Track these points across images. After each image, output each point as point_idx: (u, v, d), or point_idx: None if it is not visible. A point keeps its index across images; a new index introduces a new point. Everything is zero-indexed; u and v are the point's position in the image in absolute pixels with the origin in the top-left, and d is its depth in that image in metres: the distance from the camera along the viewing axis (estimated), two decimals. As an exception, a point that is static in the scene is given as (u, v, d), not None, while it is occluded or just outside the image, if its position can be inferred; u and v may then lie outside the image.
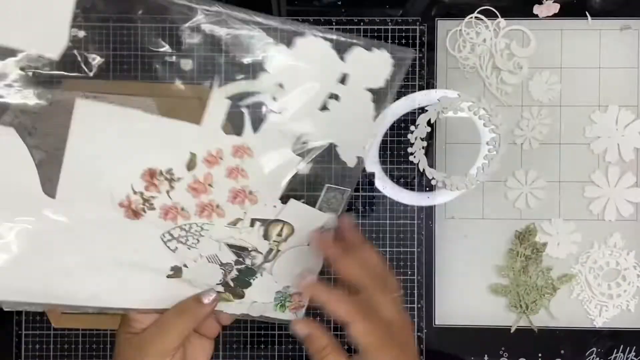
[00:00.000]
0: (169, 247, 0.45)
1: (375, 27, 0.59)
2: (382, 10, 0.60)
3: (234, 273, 0.47)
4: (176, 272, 0.46)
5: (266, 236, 0.47)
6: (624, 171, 0.59)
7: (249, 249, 0.47)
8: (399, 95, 0.59)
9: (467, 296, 0.59)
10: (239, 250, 0.47)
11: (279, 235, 0.47)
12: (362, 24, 0.59)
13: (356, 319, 0.41)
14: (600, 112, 0.59)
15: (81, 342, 0.59)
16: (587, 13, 0.59)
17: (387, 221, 0.59)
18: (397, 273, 0.59)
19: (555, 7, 0.59)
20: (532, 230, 0.58)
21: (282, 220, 0.47)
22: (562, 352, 0.59)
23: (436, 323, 0.59)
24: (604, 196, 0.59)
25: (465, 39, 0.59)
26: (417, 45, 0.59)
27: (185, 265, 0.45)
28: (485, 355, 0.59)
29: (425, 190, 0.59)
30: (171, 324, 0.41)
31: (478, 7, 0.59)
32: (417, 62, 0.59)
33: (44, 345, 0.59)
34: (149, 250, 0.45)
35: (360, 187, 0.59)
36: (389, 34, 0.59)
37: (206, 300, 0.42)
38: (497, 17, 0.59)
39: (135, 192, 0.44)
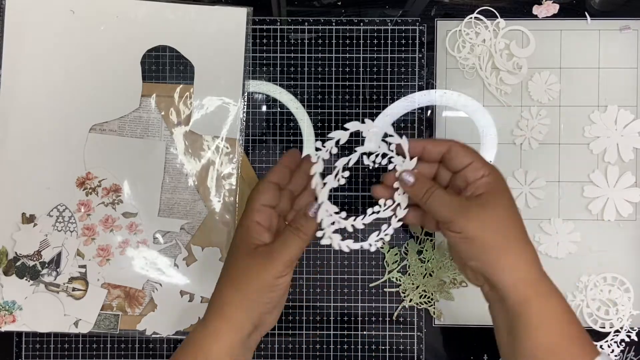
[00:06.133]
0: None
1: (375, 27, 0.59)
2: (382, 10, 0.60)
3: None
4: None
5: None
6: (623, 171, 0.59)
7: None
8: (399, 95, 0.59)
9: (467, 296, 0.59)
10: None
11: None
12: (362, 24, 0.59)
13: (478, 157, 0.46)
14: (599, 112, 0.59)
15: (81, 342, 0.59)
16: (586, 13, 0.59)
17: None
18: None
19: (555, 8, 0.59)
20: None
21: None
22: (562, 351, 0.59)
23: (436, 323, 0.59)
24: (603, 196, 0.59)
25: (464, 39, 0.59)
26: (417, 46, 0.59)
27: None
28: (485, 355, 0.59)
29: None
30: (292, 238, 0.46)
31: (477, 8, 0.59)
32: (417, 62, 0.59)
33: (44, 345, 0.59)
34: None
35: (360, 187, 0.59)
36: (389, 34, 0.59)
37: (311, 213, 0.47)
38: (497, 17, 0.59)
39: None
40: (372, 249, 0.50)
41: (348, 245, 0.48)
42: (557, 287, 0.45)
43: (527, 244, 0.45)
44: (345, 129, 0.47)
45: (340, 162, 0.48)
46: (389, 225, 0.50)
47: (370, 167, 0.49)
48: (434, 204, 0.46)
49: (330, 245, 0.47)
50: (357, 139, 0.46)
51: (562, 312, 0.44)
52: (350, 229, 0.49)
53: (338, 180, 0.48)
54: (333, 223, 0.48)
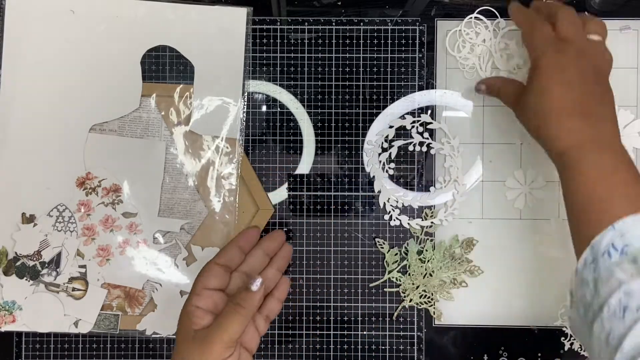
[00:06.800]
0: None
1: (375, 27, 0.59)
2: (382, 10, 0.60)
3: None
4: None
5: None
6: (624, 171, 0.59)
7: None
8: (399, 95, 0.59)
9: (467, 296, 0.59)
10: None
11: None
12: (362, 24, 0.59)
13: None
14: (599, 112, 0.59)
15: (81, 342, 0.59)
16: (586, 13, 0.59)
17: (387, 221, 0.59)
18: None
19: (555, 8, 0.59)
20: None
21: None
22: (562, 352, 0.59)
23: (436, 323, 0.59)
24: (603, 196, 0.59)
25: (464, 39, 0.59)
26: (417, 46, 0.59)
27: None
28: (485, 355, 0.59)
29: (425, 190, 0.59)
30: (231, 316, 0.44)
31: (477, 8, 0.59)
32: (417, 62, 0.59)
33: (44, 345, 0.59)
34: None
35: (360, 187, 0.59)
36: (389, 34, 0.59)
37: (254, 287, 0.45)
38: (497, 17, 0.59)
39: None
40: (444, 224, 0.56)
41: (418, 223, 0.56)
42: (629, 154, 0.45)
43: (577, 113, 0.45)
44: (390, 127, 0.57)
45: (379, 134, 0.56)
46: (454, 200, 0.57)
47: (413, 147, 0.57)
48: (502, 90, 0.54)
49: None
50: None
51: (612, 165, 0.43)
52: (415, 205, 0.57)
53: (386, 172, 0.56)
54: (396, 208, 0.56)
